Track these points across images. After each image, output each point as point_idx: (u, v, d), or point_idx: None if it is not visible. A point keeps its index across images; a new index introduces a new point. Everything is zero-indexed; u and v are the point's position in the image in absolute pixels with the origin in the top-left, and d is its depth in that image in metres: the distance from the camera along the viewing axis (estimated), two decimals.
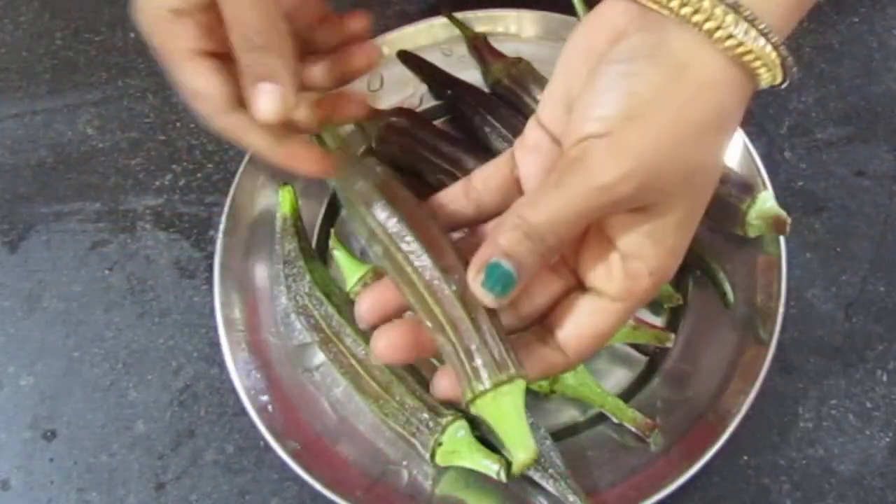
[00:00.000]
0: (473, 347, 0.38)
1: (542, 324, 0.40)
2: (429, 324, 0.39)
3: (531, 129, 0.41)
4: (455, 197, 0.43)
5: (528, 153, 0.41)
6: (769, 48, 0.36)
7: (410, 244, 0.39)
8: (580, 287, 0.40)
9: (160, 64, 0.44)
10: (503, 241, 0.37)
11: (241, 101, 0.43)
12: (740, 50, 0.36)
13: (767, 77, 0.37)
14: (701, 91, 0.36)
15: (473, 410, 0.38)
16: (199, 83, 0.43)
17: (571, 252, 0.41)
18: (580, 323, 0.39)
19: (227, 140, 0.44)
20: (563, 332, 0.39)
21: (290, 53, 0.44)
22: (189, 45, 0.43)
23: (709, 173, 0.38)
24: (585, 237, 0.40)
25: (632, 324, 0.49)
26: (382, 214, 0.41)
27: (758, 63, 0.36)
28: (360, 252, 0.54)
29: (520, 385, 0.38)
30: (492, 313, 0.39)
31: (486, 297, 0.37)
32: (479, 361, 0.38)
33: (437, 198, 0.43)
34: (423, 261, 0.39)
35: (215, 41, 0.43)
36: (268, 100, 0.43)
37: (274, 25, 0.44)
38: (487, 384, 0.37)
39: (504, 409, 0.38)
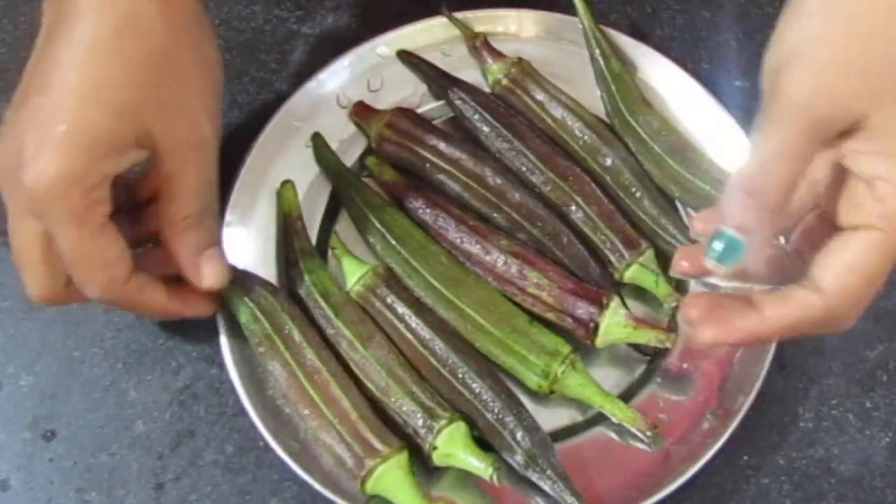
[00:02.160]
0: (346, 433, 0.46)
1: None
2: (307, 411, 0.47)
3: None
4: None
5: None
6: None
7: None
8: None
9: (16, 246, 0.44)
10: (728, 207, 0.37)
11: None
12: None
13: None
14: None
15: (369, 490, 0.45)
16: (113, 250, 0.43)
17: (827, 203, 0.39)
18: (839, 260, 0.37)
19: (122, 307, 0.46)
20: (820, 270, 0.37)
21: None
22: (106, 210, 0.43)
23: None
24: (830, 184, 0.39)
25: (632, 324, 0.49)
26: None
27: None
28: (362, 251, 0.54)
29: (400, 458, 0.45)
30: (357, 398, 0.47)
31: (719, 269, 0.37)
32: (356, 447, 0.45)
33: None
34: (312, 361, 0.48)
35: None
36: (215, 265, 0.47)
37: (216, 192, 0.47)
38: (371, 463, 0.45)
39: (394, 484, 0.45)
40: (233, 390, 0.50)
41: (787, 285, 0.39)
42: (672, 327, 0.51)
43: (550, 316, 0.51)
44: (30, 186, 0.41)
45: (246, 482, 0.50)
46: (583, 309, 0.50)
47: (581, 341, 0.50)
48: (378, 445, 0.46)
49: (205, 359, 0.53)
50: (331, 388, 0.48)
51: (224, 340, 0.50)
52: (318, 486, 0.47)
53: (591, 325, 0.49)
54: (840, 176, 0.39)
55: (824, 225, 0.40)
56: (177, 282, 0.48)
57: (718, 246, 0.37)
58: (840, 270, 0.37)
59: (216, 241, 0.48)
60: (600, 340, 0.50)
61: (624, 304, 0.51)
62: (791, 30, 0.37)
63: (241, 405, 0.49)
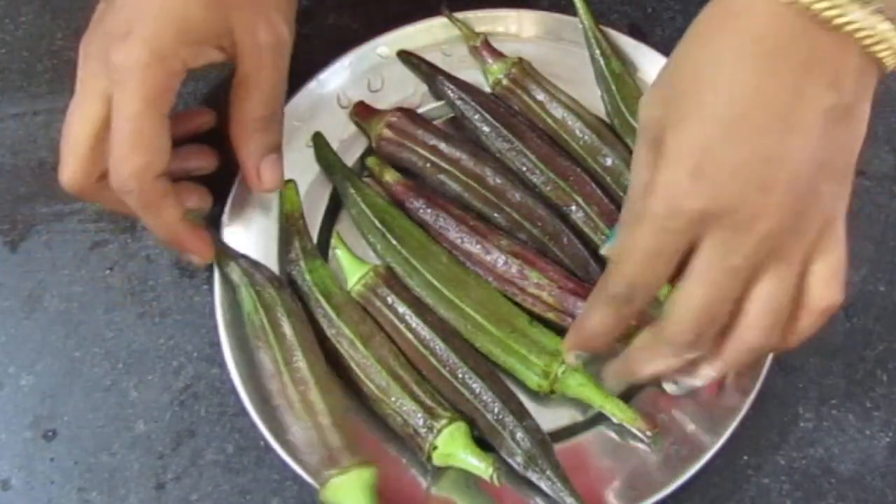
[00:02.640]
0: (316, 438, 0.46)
1: None
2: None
3: None
4: None
5: None
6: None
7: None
8: None
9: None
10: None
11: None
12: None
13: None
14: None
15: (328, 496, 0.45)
16: (162, 140, 0.45)
17: None
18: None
19: (139, 206, 0.47)
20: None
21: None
22: (171, 102, 0.45)
23: (797, 174, 0.37)
24: None
25: (633, 323, 0.49)
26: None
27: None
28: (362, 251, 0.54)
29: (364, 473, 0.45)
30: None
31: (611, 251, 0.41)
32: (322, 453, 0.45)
33: None
34: (299, 360, 0.48)
35: None
36: (276, 170, 0.50)
37: (284, 98, 0.50)
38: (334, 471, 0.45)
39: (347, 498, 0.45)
40: (233, 390, 0.50)
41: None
42: None
43: (551, 316, 0.51)
44: (117, 62, 0.43)
45: (246, 482, 0.50)
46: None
47: None
48: (342, 456, 0.45)
49: (205, 359, 0.53)
50: (309, 390, 0.48)
51: (224, 340, 0.50)
52: (318, 486, 0.47)
53: None
54: None
55: None
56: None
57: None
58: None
59: (279, 148, 0.51)
60: None
61: None
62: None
63: (242, 405, 0.49)
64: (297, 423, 0.47)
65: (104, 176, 0.46)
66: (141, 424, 0.52)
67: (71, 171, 0.46)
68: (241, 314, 0.51)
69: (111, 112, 0.44)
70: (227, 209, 0.54)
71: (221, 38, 0.46)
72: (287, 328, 0.49)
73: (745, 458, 0.51)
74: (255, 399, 0.49)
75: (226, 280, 0.52)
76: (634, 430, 0.48)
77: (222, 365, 0.51)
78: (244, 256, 0.52)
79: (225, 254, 0.52)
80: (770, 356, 0.49)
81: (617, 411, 0.48)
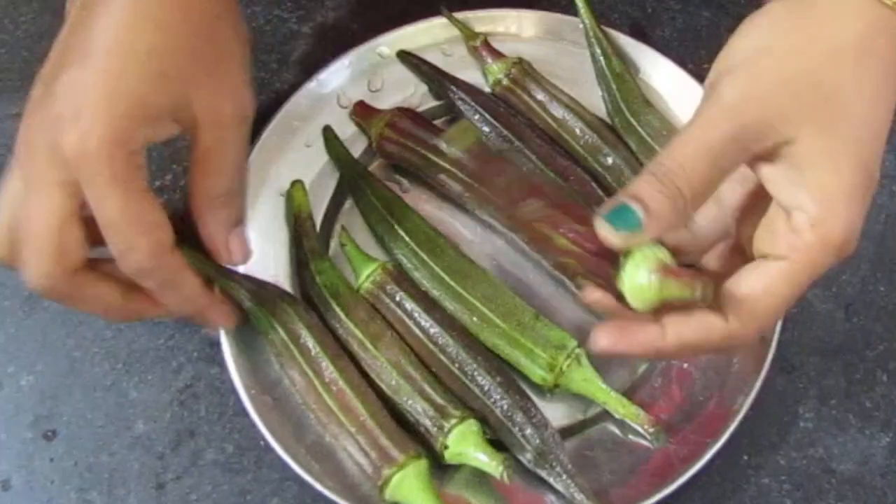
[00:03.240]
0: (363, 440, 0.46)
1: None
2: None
3: None
4: None
5: None
6: None
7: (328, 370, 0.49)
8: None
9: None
10: (633, 184, 0.36)
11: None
12: None
13: None
14: (830, 18, 0.36)
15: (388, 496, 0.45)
16: (157, 214, 0.42)
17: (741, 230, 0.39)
18: (746, 287, 0.37)
19: (157, 285, 0.43)
20: (727, 296, 0.37)
21: None
22: (145, 176, 0.42)
23: (851, 104, 0.36)
24: (747, 210, 0.39)
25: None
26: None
27: None
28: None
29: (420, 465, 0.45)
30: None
31: (609, 234, 0.36)
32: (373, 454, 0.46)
33: None
34: (329, 370, 0.49)
35: None
36: (243, 242, 0.47)
37: (244, 175, 0.47)
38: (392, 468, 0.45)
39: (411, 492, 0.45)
40: (233, 390, 0.50)
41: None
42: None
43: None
44: (72, 150, 0.39)
45: (246, 482, 0.50)
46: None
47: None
48: (395, 453, 0.46)
49: (205, 358, 0.53)
50: (347, 397, 0.48)
51: (224, 340, 0.50)
52: (318, 486, 0.47)
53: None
54: (758, 203, 0.39)
55: (735, 256, 0.41)
56: None
57: (616, 216, 0.36)
58: (746, 298, 0.37)
59: (243, 220, 0.48)
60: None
61: None
62: (738, 42, 0.38)
63: (242, 405, 0.49)
64: (342, 431, 0.48)
65: (77, 270, 0.42)
66: (141, 424, 0.52)
67: (43, 270, 0.41)
68: (255, 341, 0.51)
69: (93, 208, 0.41)
70: None
71: (180, 113, 0.42)
72: (309, 340, 0.49)
73: (745, 458, 0.51)
74: (256, 399, 0.49)
75: (237, 307, 0.50)
76: (636, 427, 0.48)
77: (222, 365, 0.51)
78: (248, 278, 0.51)
79: (228, 278, 0.50)
80: (770, 357, 0.49)
81: (620, 407, 0.48)
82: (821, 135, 0.36)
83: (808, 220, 0.36)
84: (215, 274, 0.51)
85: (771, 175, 0.37)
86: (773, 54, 0.36)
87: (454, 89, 0.58)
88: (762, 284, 0.37)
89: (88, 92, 0.40)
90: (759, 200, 0.39)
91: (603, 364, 0.51)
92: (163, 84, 0.41)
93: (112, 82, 0.40)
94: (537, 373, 0.49)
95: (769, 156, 0.37)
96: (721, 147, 0.36)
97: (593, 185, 0.55)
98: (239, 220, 0.47)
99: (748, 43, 0.38)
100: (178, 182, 0.59)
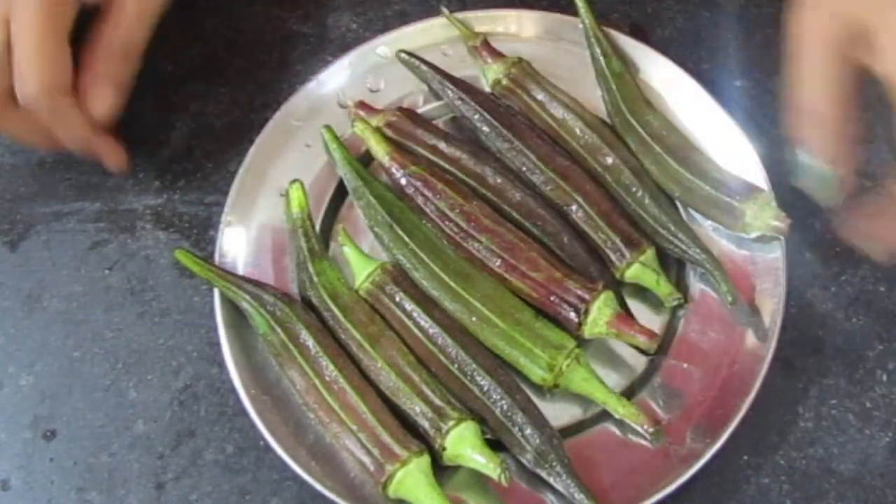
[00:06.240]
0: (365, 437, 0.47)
1: None
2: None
3: None
4: None
5: None
6: None
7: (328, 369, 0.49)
8: None
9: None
10: (794, 131, 0.42)
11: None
12: None
13: None
14: None
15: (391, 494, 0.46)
16: (66, 57, 0.48)
17: None
18: None
19: (49, 118, 0.49)
20: None
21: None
22: (70, 20, 0.48)
23: None
24: None
25: (613, 331, 0.49)
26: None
27: None
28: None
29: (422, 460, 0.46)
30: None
31: (823, 199, 0.43)
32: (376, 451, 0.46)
33: None
34: (329, 369, 0.49)
35: None
36: (113, 99, 0.51)
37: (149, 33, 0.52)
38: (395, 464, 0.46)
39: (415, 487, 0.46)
40: (233, 390, 0.50)
41: None
42: (672, 326, 0.52)
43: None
44: None
45: (246, 482, 0.50)
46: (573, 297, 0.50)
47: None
48: (397, 450, 0.46)
49: (205, 358, 0.53)
50: (348, 395, 0.48)
51: (224, 340, 0.50)
52: (318, 486, 0.47)
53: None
54: None
55: None
56: None
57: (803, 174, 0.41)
58: None
59: (125, 85, 0.52)
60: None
61: (623, 304, 0.51)
62: None
63: (242, 405, 0.49)
64: (343, 429, 0.47)
65: (6, 100, 0.48)
66: (140, 424, 0.52)
67: None
68: (255, 340, 0.51)
69: (11, 33, 0.46)
70: (227, 208, 0.54)
71: None
72: (308, 340, 0.49)
73: (745, 458, 0.51)
74: (255, 399, 0.49)
75: (234, 308, 0.51)
76: (636, 427, 0.48)
77: (222, 365, 0.51)
78: (245, 279, 0.52)
79: (227, 280, 0.51)
80: (770, 357, 0.49)
81: (619, 407, 0.48)
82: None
83: None
84: (215, 276, 0.51)
85: (874, 57, 0.41)
86: None
87: (454, 89, 0.58)
88: None
89: None
90: None
91: (603, 364, 0.51)
92: None
93: None
94: (537, 373, 0.49)
95: (865, 47, 0.41)
96: (823, 61, 0.42)
97: (593, 184, 0.54)
98: (120, 84, 0.52)
99: None
100: (178, 182, 0.59)
